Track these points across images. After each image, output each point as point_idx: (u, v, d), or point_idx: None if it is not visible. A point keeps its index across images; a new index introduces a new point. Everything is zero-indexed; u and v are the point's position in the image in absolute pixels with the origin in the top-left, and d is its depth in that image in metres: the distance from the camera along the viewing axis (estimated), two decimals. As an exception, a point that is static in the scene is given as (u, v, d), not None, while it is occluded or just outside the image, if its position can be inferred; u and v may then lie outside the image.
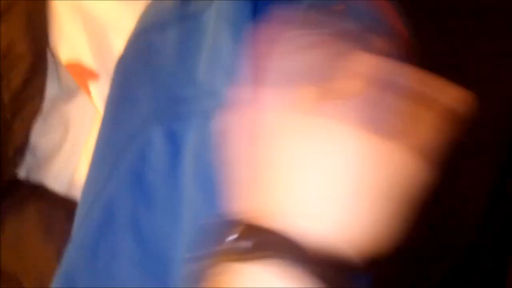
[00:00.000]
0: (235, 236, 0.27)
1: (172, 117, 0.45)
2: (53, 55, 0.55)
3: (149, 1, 0.50)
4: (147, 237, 0.45)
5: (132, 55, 0.49)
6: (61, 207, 0.54)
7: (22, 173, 0.56)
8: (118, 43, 0.55)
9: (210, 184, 0.44)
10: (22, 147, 0.53)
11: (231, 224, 0.28)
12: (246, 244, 0.26)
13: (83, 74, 0.55)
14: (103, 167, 0.46)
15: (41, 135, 0.56)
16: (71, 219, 0.52)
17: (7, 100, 0.50)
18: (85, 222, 0.45)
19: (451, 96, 0.29)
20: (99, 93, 0.56)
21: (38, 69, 0.52)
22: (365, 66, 0.28)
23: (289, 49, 0.31)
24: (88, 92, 0.56)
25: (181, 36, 0.47)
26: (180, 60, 0.46)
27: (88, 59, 0.55)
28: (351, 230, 0.27)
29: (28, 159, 0.56)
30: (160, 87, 0.46)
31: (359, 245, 0.27)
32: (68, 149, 0.58)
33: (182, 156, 0.45)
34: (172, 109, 0.45)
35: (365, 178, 0.27)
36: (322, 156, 0.27)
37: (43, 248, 0.52)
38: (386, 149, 0.27)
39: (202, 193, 0.44)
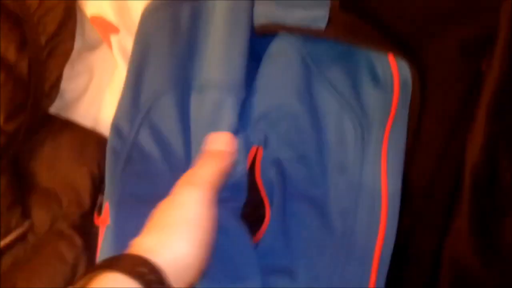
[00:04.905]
0: None
1: (182, 88, 0.54)
2: (79, 11, 0.64)
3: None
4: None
5: (155, 24, 0.57)
6: (91, 137, 0.61)
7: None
8: (135, 4, 0.64)
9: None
10: (56, 84, 0.60)
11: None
12: None
13: (106, 27, 0.63)
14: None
15: (69, 81, 0.64)
16: (100, 146, 0.59)
17: (43, 42, 0.58)
18: None
19: None
20: (118, 44, 0.64)
21: (69, 17, 0.60)
22: None
23: None
24: (109, 43, 0.64)
25: (191, 13, 0.56)
26: (191, 38, 0.55)
27: (110, 15, 0.63)
28: None
29: (57, 101, 0.63)
30: (176, 60, 0.55)
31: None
32: (93, 92, 0.65)
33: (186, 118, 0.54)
34: (183, 81, 0.55)
35: None
36: None
37: (77, 168, 0.58)
38: None
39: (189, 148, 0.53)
